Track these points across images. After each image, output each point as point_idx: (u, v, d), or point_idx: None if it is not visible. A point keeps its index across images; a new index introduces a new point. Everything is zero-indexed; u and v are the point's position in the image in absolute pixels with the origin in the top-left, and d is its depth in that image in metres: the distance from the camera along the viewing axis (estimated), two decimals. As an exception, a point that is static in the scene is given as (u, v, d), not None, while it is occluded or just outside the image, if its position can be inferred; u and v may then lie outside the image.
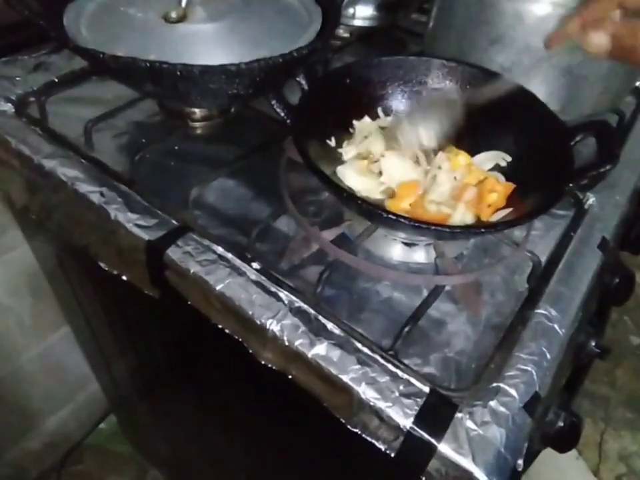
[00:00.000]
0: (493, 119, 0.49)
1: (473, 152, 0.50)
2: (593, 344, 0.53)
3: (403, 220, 0.37)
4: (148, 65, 0.44)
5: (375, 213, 0.38)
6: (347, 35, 0.79)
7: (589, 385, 1.59)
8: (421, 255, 0.48)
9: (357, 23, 0.79)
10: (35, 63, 0.65)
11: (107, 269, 0.51)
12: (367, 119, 0.51)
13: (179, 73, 0.44)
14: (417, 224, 0.37)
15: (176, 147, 0.58)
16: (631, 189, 0.60)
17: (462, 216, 0.45)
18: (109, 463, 1.29)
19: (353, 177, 0.45)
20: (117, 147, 0.56)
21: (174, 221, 0.48)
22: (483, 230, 0.41)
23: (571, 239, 0.52)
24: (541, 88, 0.57)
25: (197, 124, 0.61)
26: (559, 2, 0.51)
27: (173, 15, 0.52)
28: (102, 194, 0.49)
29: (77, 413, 1.21)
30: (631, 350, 1.70)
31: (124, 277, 0.51)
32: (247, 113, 0.62)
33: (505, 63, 0.57)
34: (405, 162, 0.45)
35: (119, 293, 0.59)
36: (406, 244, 0.48)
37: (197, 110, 0.59)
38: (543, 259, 0.49)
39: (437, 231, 0.37)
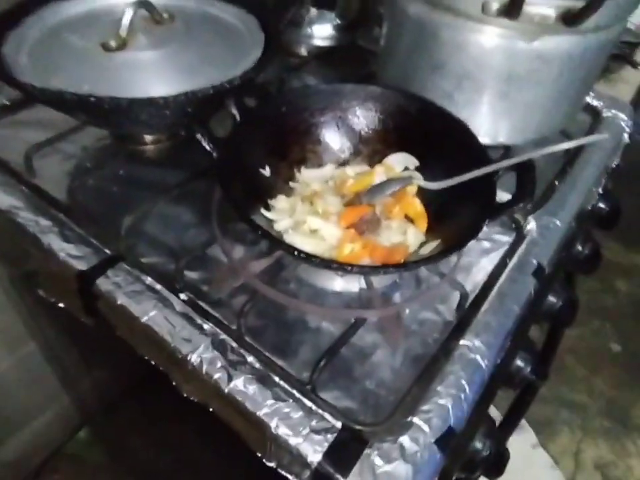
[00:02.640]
0: (420, 145, 0.50)
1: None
2: (529, 370, 0.53)
3: (313, 260, 0.37)
4: (76, 97, 0.44)
5: (288, 252, 0.38)
6: (305, 54, 0.79)
7: (566, 393, 1.60)
8: (353, 285, 0.49)
9: (316, 42, 0.79)
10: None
11: (44, 296, 0.52)
12: (283, 197, 0.50)
13: (106, 106, 0.44)
14: (317, 261, 0.37)
15: (121, 172, 0.59)
16: (574, 212, 0.60)
17: (414, 237, 0.47)
18: (85, 472, 1.29)
19: (300, 241, 0.45)
20: (61, 173, 0.57)
21: (107, 250, 0.49)
22: (385, 269, 0.41)
23: (505, 266, 0.53)
24: (482, 114, 0.58)
25: (145, 147, 0.61)
26: (496, 32, 0.52)
27: (112, 43, 0.53)
28: (37, 222, 0.50)
29: (53, 423, 1.21)
30: (611, 357, 1.70)
31: (60, 305, 0.51)
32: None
33: (446, 89, 0.57)
34: (328, 223, 0.46)
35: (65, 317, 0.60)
36: (340, 275, 0.49)
37: (145, 135, 0.60)
38: (471, 287, 0.49)
39: (343, 269, 0.38)
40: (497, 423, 0.59)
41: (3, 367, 1.00)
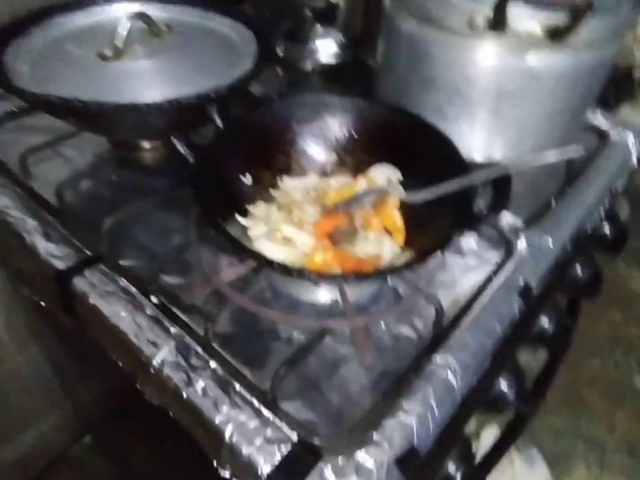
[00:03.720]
0: (404, 158, 0.49)
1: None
2: (513, 395, 0.51)
3: (274, 265, 0.37)
4: (63, 101, 0.46)
5: (248, 256, 0.38)
6: (309, 70, 0.80)
7: (584, 427, 1.53)
8: (326, 296, 0.48)
9: (321, 58, 0.80)
10: (-3, 93, 0.68)
11: (29, 294, 0.53)
12: (262, 204, 0.50)
13: (91, 110, 0.46)
14: (276, 266, 0.37)
15: (113, 177, 0.60)
16: (570, 233, 0.58)
17: (389, 249, 0.46)
18: (86, 477, 1.30)
19: (271, 249, 0.45)
20: (55, 176, 0.58)
21: (87, 251, 0.49)
22: (353, 278, 0.40)
23: (490, 284, 0.51)
24: (475, 131, 0.57)
25: (142, 154, 0.62)
26: (484, 47, 0.51)
27: (109, 53, 0.55)
28: (24, 222, 0.51)
29: (56, 427, 1.23)
30: (634, 392, 1.62)
31: (42, 303, 0.52)
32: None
33: (438, 104, 0.57)
34: (302, 232, 0.46)
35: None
36: (314, 284, 0.48)
37: (141, 142, 0.61)
38: (451, 303, 0.48)
39: (310, 278, 0.37)
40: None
41: (7, 368, 1.02)
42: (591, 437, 1.47)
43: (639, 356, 1.67)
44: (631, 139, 0.73)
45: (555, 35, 0.45)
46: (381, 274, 0.39)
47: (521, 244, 0.55)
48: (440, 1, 0.51)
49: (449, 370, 0.43)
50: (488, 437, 0.99)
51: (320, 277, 0.37)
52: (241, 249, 0.39)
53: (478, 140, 0.58)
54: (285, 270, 0.38)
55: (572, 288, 0.65)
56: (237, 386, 0.40)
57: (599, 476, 1.43)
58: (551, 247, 0.56)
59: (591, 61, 0.52)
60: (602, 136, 0.74)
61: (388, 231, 0.48)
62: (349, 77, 0.81)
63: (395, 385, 0.42)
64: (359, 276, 0.39)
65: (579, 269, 0.65)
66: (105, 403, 0.99)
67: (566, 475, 1.43)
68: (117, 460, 1.25)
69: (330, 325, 0.43)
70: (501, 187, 0.42)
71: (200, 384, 0.40)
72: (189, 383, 0.40)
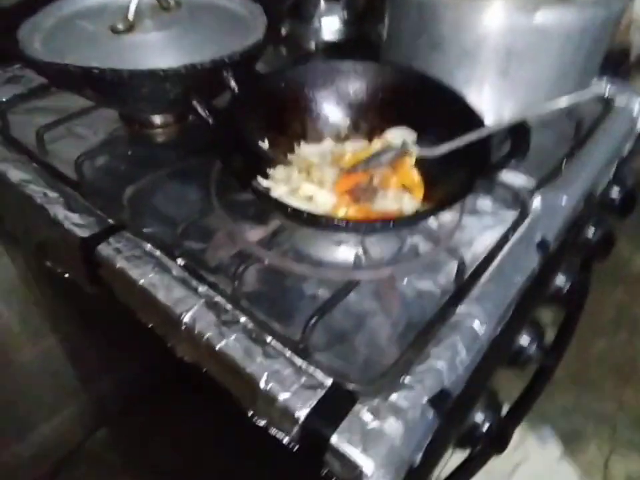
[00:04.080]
0: (418, 118, 0.50)
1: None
2: (533, 349, 0.52)
3: (314, 218, 0.38)
4: (79, 69, 0.46)
5: (287, 212, 0.39)
6: (313, 48, 0.81)
7: (594, 405, 1.54)
8: (349, 254, 0.48)
9: (325, 36, 0.81)
10: (8, 76, 0.69)
11: (52, 267, 0.54)
12: (281, 167, 0.50)
13: (108, 77, 0.46)
14: (315, 219, 0.38)
15: (129, 152, 0.61)
16: (580, 193, 0.59)
17: (409, 205, 0.46)
18: (103, 470, 1.30)
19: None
20: (71, 152, 0.58)
21: (110, 220, 0.50)
22: (377, 225, 0.40)
23: (508, 240, 0.52)
24: (485, 92, 0.58)
25: (154, 131, 0.63)
26: (492, 6, 0.52)
27: (120, 26, 0.55)
28: (45, 194, 0.52)
29: (72, 419, 1.23)
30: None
31: (67, 275, 0.53)
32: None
33: (447, 67, 0.58)
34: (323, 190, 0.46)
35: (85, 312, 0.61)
36: (337, 242, 0.49)
37: (153, 117, 0.62)
38: (472, 259, 0.49)
39: (334, 225, 0.38)
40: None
41: (24, 359, 1.03)
42: (601, 415, 1.48)
43: (648, 334, 1.68)
44: (636, 106, 0.74)
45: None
46: (405, 220, 0.40)
47: (536, 203, 0.56)
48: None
49: (474, 318, 0.44)
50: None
51: (347, 223, 0.38)
52: (268, 202, 0.39)
53: (488, 102, 0.58)
54: (313, 219, 0.38)
55: (585, 248, 0.66)
56: (269, 338, 0.41)
57: (610, 453, 1.44)
58: (564, 205, 0.57)
59: (597, 16, 0.53)
60: (606, 102, 0.75)
61: (407, 189, 0.49)
62: (353, 54, 0.82)
63: (422, 334, 0.43)
64: (385, 222, 0.39)
65: (591, 230, 0.66)
66: (121, 394, 0.99)
67: (577, 453, 1.44)
68: (133, 452, 1.25)
69: (355, 277, 0.44)
70: (520, 133, 0.42)
71: (232, 337, 0.41)
72: (221, 336, 0.41)
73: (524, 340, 0.53)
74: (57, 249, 0.52)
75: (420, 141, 0.52)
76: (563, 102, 0.43)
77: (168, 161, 0.58)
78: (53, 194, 0.52)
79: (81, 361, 0.94)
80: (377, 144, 0.53)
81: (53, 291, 0.75)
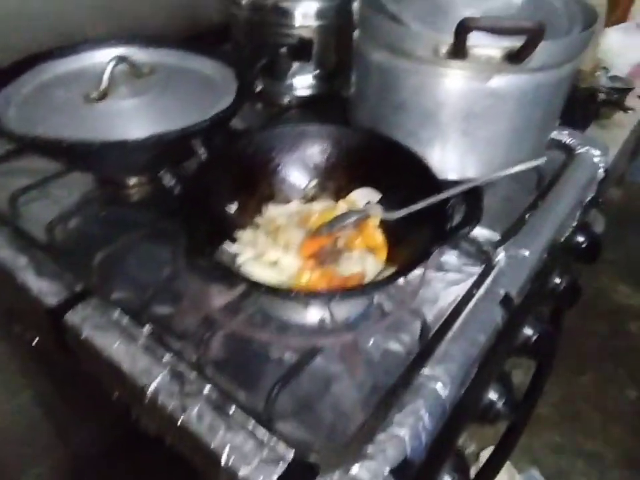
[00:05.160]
0: (382, 179, 0.52)
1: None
2: (500, 405, 0.52)
3: (261, 287, 0.38)
4: (49, 141, 0.48)
5: (238, 279, 0.40)
6: (286, 103, 0.83)
7: (583, 443, 1.53)
8: (314, 315, 0.49)
9: (298, 92, 0.84)
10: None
11: (20, 332, 0.53)
12: (249, 230, 0.52)
13: (78, 149, 0.48)
14: (264, 289, 0.38)
15: (102, 214, 0.62)
16: (544, 244, 0.61)
17: (373, 266, 0.48)
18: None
19: (258, 272, 0.46)
20: (44, 215, 0.59)
21: (78, 286, 0.50)
22: (334, 295, 0.41)
23: (472, 296, 0.53)
24: (448, 151, 0.60)
25: (128, 191, 0.64)
26: (450, 73, 0.55)
27: (94, 94, 0.57)
28: (14, 260, 0.52)
29: (51, 473, 1.19)
30: (627, 404, 1.63)
31: (35, 341, 0.52)
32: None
33: (411, 128, 0.60)
34: (288, 254, 0.48)
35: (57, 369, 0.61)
36: (303, 305, 0.49)
37: (127, 178, 0.63)
38: (436, 317, 0.50)
39: (298, 297, 0.39)
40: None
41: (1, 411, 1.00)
42: (589, 453, 1.47)
43: (629, 368, 1.69)
44: (595, 152, 0.77)
45: (514, 59, 0.49)
46: (365, 288, 0.41)
47: (499, 256, 0.58)
48: (405, 32, 0.54)
49: (437, 380, 0.44)
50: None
51: (307, 295, 0.39)
52: (229, 274, 0.40)
53: (451, 159, 0.61)
54: (273, 291, 0.39)
55: (552, 298, 0.68)
56: (232, 408, 0.41)
57: (599, 492, 1.42)
58: (528, 256, 0.58)
59: (550, 79, 0.55)
60: (569, 151, 0.78)
61: (371, 250, 0.50)
62: (325, 108, 0.84)
63: (386, 399, 0.43)
64: (345, 292, 0.40)
65: (557, 279, 0.68)
66: (97, 445, 0.97)
67: (567, 492, 1.42)
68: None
69: (319, 343, 0.44)
70: (473, 199, 0.44)
71: (195, 409, 0.41)
72: (184, 408, 0.41)
73: (492, 395, 0.53)
74: (25, 315, 0.52)
75: (384, 201, 0.54)
76: (514, 168, 0.45)
77: (140, 223, 0.59)
78: (22, 259, 0.52)
79: (56, 415, 0.92)
80: (342, 204, 0.54)
81: (24, 348, 0.74)
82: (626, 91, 1.02)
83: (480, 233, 0.60)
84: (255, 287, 0.39)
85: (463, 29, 0.46)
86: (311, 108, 0.84)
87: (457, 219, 0.57)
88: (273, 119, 0.80)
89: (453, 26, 0.48)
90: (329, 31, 0.79)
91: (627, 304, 1.91)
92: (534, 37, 0.45)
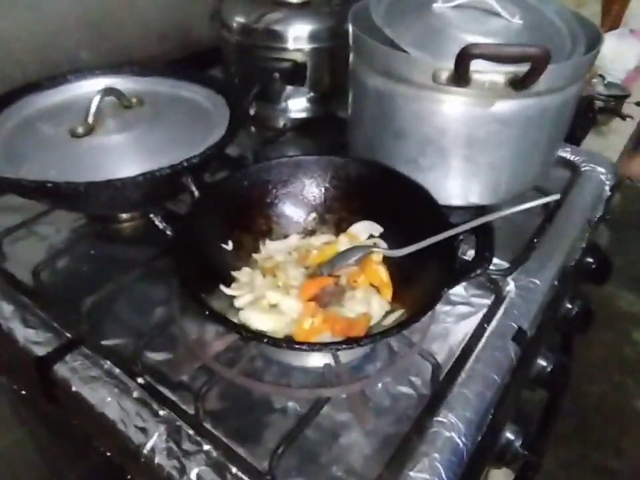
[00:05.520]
0: (384, 212, 0.50)
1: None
2: (519, 444, 0.49)
3: (261, 338, 0.36)
4: (33, 184, 0.45)
5: (236, 332, 0.37)
6: (281, 127, 0.81)
7: (594, 456, 1.50)
8: (319, 360, 0.46)
9: (292, 115, 0.82)
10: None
11: (7, 383, 0.50)
12: (247, 269, 0.49)
13: (62, 191, 0.45)
14: (278, 343, 0.36)
15: (92, 251, 0.59)
16: (556, 270, 0.58)
17: (379, 307, 0.45)
18: None
19: (257, 318, 0.44)
20: (31, 256, 0.56)
21: (67, 334, 0.47)
22: (339, 347, 0.38)
23: (484, 331, 0.50)
24: (450, 177, 0.58)
25: (119, 226, 0.61)
26: (451, 99, 0.52)
27: (80, 129, 0.54)
28: (0, 308, 0.49)
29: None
30: (636, 416, 1.60)
31: (22, 392, 0.50)
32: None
33: (410, 155, 0.58)
34: (288, 297, 0.45)
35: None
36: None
37: (117, 214, 0.60)
38: (447, 356, 0.47)
39: (293, 347, 0.36)
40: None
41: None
42: (601, 466, 1.44)
43: (636, 378, 1.66)
44: (601, 169, 0.75)
45: (518, 85, 0.47)
46: (373, 338, 0.38)
47: (509, 286, 0.55)
48: (403, 58, 0.52)
49: (452, 429, 0.41)
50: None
51: (310, 346, 0.36)
52: (225, 324, 0.38)
53: (454, 186, 0.58)
54: (275, 343, 0.37)
55: (564, 323, 0.65)
56: (234, 469, 0.38)
57: (615, 508, 1.39)
58: (540, 285, 0.56)
59: (555, 102, 0.53)
60: (574, 169, 0.76)
61: (375, 287, 0.48)
62: (321, 131, 0.82)
63: (399, 451, 0.40)
64: (352, 343, 0.37)
65: (568, 305, 0.65)
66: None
67: (580, 509, 1.39)
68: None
69: (325, 394, 0.42)
70: (484, 238, 0.42)
71: (194, 471, 0.38)
72: (183, 470, 0.38)
73: (508, 434, 0.51)
74: (12, 365, 0.49)
75: (387, 234, 0.52)
76: (527, 204, 0.42)
77: (132, 260, 0.56)
78: (8, 307, 0.49)
79: (51, 455, 0.89)
80: (343, 238, 0.52)
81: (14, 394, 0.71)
82: (623, 97, 1.01)
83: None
84: (256, 338, 0.37)
85: (466, 56, 0.44)
86: (306, 131, 0.81)
87: (464, 248, 0.55)
88: (267, 143, 0.77)
89: (452, 50, 0.46)
90: (323, 53, 0.76)
91: (632, 312, 1.90)
92: (539, 63, 0.42)
